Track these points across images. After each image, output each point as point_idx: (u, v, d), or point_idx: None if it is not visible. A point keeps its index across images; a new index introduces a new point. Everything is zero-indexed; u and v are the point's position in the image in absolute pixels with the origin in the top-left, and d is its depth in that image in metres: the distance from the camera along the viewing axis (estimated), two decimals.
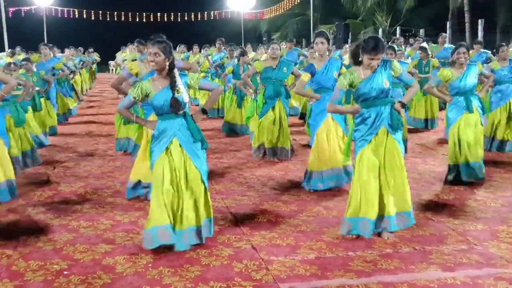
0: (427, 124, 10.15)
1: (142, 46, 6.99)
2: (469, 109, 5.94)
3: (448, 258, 3.92)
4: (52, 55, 10.66)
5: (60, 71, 10.59)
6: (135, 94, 4.05)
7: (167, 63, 4.00)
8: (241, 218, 4.88)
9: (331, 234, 4.42)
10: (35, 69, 8.97)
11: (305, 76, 5.79)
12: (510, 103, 7.84)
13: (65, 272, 3.69)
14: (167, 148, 4.05)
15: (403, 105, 4.42)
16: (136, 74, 5.46)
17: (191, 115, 4.13)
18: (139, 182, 5.43)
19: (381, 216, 4.32)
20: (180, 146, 4.05)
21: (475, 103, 6.02)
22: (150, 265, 3.81)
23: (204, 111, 4.21)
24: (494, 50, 8.62)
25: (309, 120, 5.98)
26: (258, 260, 3.89)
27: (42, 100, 8.70)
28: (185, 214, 4.04)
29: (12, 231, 4.57)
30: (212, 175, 6.58)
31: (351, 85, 4.34)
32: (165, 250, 4.03)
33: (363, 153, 4.34)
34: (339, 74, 5.73)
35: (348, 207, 4.39)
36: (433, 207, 5.23)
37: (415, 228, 4.57)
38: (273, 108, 7.14)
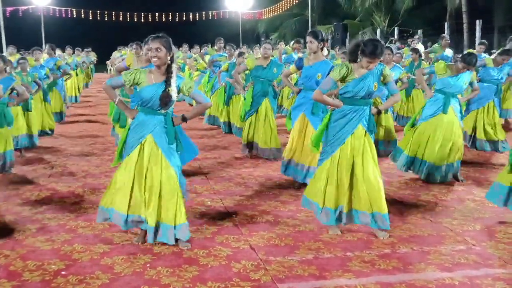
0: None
1: (140, 48, 7.00)
2: (444, 110, 6.01)
3: (446, 258, 3.93)
4: (44, 58, 10.59)
5: (51, 73, 10.55)
6: (127, 79, 4.05)
7: (169, 58, 4.00)
8: (240, 218, 4.88)
9: (330, 234, 4.43)
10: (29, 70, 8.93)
11: (292, 68, 6.08)
12: (488, 106, 7.94)
13: (62, 272, 3.67)
14: (141, 144, 4.05)
15: (379, 112, 4.53)
16: (129, 66, 5.49)
17: (171, 118, 4.12)
18: None
19: (356, 212, 4.36)
20: (155, 143, 4.05)
21: (454, 106, 6.08)
22: (148, 265, 3.80)
23: (184, 119, 4.16)
24: (493, 51, 8.70)
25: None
26: (256, 260, 3.89)
27: (32, 101, 8.64)
28: (149, 213, 4.02)
29: (9, 230, 4.55)
30: (210, 175, 6.58)
31: (342, 79, 4.35)
32: (163, 250, 4.03)
33: (338, 151, 4.35)
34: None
35: (324, 195, 4.39)
36: (431, 207, 5.24)
37: (413, 228, 4.58)
38: (260, 107, 7.24)
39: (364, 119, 4.36)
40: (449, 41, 13.39)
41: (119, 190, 4.11)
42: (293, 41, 12.70)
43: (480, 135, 7.98)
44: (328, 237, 4.37)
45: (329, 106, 4.53)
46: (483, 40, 12.53)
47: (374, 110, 4.45)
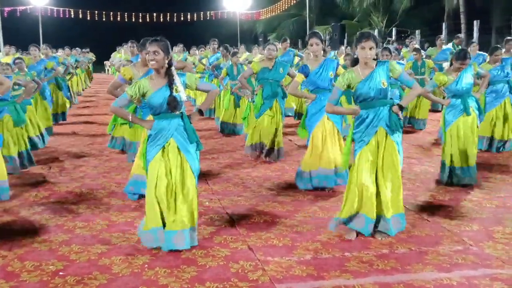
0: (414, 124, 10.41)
1: (135, 47, 6.97)
2: (466, 111, 5.94)
3: (444, 258, 3.94)
4: (41, 56, 10.56)
5: (52, 70, 10.52)
6: (132, 93, 4.00)
7: (166, 62, 4.00)
8: (238, 219, 4.87)
9: (328, 234, 4.43)
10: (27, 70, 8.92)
11: (299, 77, 5.84)
12: (505, 102, 7.90)
13: (60, 273, 3.67)
14: (163, 148, 4.03)
15: (401, 108, 4.36)
16: (130, 79, 5.44)
17: (188, 116, 4.13)
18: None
19: (378, 218, 4.33)
20: (177, 146, 4.04)
21: (472, 105, 6.03)
22: (146, 265, 3.80)
23: (200, 112, 4.21)
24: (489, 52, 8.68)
25: (305, 120, 5.96)
26: (254, 261, 3.89)
27: (32, 101, 8.63)
28: (177, 216, 4.01)
29: (7, 231, 4.55)
30: (208, 175, 6.58)
31: (349, 86, 4.33)
32: (161, 250, 4.03)
33: (361, 154, 4.33)
34: (336, 74, 5.76)
35: (343, 207, 4.40)
36: (429, 208, 5.25)
37: (411, 229, 4.58)
38: (270, 108, 7.17)
39: (383, 120, 4.30)
40: (444, 41, 13.42)
41: (153, 207, 4.02)
42: (280, 42, 12.81)
43: (499, 135, 7.87)
44: (326, 237, 4.37)
45: (352, 116, 4.52)
46: (473, 41, 12.57)
47: (395, 108, 4.33)
